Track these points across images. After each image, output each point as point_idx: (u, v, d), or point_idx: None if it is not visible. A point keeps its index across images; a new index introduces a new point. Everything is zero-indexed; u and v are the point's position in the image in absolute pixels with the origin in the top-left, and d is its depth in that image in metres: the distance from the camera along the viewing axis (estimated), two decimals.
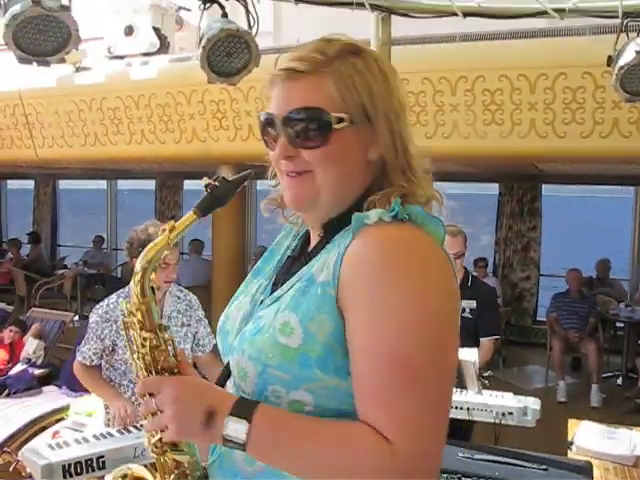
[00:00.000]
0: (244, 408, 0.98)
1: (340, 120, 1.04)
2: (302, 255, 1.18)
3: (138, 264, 1.07)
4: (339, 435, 0.97)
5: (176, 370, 1.07)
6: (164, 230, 1.07)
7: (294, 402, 1.03)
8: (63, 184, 13.49)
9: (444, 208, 1.12)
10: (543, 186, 9.13)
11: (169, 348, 1.07)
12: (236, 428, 0.96)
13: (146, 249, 1.07)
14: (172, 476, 1.09)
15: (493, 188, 9.70)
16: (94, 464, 2.59)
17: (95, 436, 2.86)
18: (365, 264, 0.98)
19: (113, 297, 3.07)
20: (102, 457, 2.62)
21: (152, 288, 1.08)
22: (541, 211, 9.13)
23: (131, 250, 2.99)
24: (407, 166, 1.08)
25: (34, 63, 2.12)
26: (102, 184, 12.81)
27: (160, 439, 1.05)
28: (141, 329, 1.07)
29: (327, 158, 1.05)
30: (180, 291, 3.19)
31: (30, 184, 13.03)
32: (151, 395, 1.03)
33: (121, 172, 10.79)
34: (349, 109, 1.04)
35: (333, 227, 1.09)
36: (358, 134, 1.06)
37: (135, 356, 1.09)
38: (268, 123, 1.09)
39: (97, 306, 3.07)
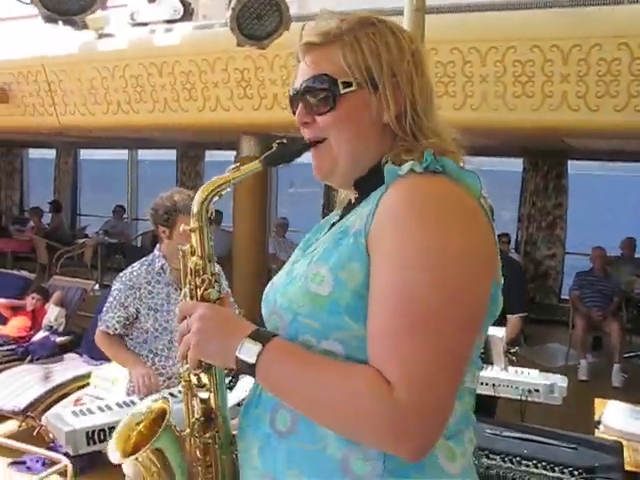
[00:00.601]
0: (262, 334, 1.03)
1: (347, 85, 1.09)
2: (341, 219, 1.18)
3: (200, 192, 1.12)
4: (344, 374, 0.97)
5: (218, 303, 1.11)
6: (230, 169, 1.13)
7: (325, 352, 1.03)
8: (84, 154, 13.51)
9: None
10: (569, 163, 8.97)
11: (214, 281, 1.12)
12: (249, 349, 1.00)
13: (209, 181, 1.13)
14: (202, 437, 1.13)
15: (515, 164, 9.55)
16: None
17: (118, 404, 2.86)
18: (392, 212, 1.00)
19: (136, 265, 3.05)
20: None
21: (210, 219, 1.14)
22: (567, 188, 8.97)
23: (156, 217, 2.97)
24: (426, 128, 1.10)
25: (60, 22, 2.06)
26: (123, 154, 12.80)
27: (188, 372, 1.10)
28: (192, 254, 1.13)
29: (338, 122, 1.11)
30: None
31: (52, 153, 13.06)
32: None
33: (142, 142, 10.76)
34: (356, 74, 1.09)
35: (366, 184, 1.12)
36: (368, 98, 1.10)
37: (185, 282, 1.14)
38: (292, 97, 1.17)
39: (120, 274, 3.04)
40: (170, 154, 11.88)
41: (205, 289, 1.11)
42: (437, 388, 0.93)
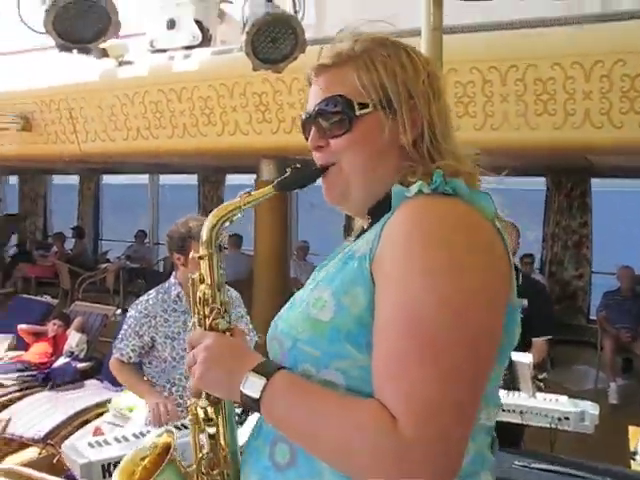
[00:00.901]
0: (266, 368, 0.99)
1: (364, 106, 1.06)
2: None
3: (210, 219, 1.10)
4: (347, 407, 0.92)
5: (228, 333, 1.08)
6: (241, 194, 1.11)
7: (324, 383, 0.97)
8: (106, 179, 13.65)
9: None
10: (592, 180, 8.85)
11: (223, 311, 1.09)
12: (253, 383, 0.97)
13: (219, 207, 1.12)
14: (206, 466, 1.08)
15: (537, 182, 9.43)
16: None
17: (135, 435, 2.80)
18: (398, 235, 0.95)
19: (152, 292, 3.02)
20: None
21: (220, 247, 1.12)
22: (591, 206, 8.83)
23: (171, 243, 2.95)
24: (444, 150, 1.07)
25: (74, 50, 2.05)
26: (144, 179, 12.91)
27: (195, 405, 1.07)
28: (201, 282, 1.10)
29: (354, 144, 1.07)
30: None
31: (75, 179, 13.22)
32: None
33: (163, 166, 10.84)
34: (372, 94, 1.06)
35: (379, 209, 1.07)
36: (384, 120, 1.06)
37: (194, 311, 1.11)
38: (305, 121, 1.14)
39: (136, 301, 3.01)
40: (191, 179, 11.95)
41: (214, 319, 1.08)
42: (447, 421, 0.86)
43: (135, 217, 13.43)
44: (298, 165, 1.12)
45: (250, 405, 0.98)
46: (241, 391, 0.97)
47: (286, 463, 1.01)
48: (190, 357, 1.05)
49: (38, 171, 12.76)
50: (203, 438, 1.09)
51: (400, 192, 1.00)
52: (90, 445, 2.69)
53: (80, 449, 2.63)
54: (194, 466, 1.09)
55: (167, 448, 1.10)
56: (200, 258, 1.10)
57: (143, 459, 1.11)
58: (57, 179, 14.06)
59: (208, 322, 1.08)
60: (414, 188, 0.99)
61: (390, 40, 1.11)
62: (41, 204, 13.60)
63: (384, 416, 0.87)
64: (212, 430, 1.07)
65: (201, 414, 1.08)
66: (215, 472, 1.08)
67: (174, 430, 1.16)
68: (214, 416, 1.08)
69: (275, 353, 1.06)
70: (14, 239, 13.11)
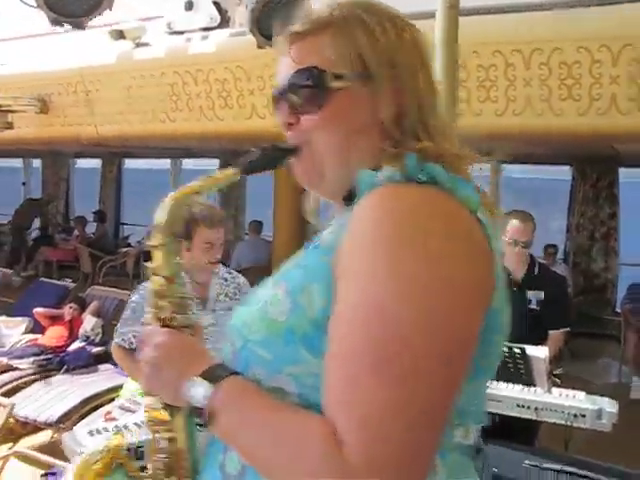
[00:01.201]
0: (216, 372, 0.89)
1: (338, 77, 0.94)
2: None
3: (167, 201, 1.00)
4: (295, 426, 0.81)
5: (188, 331, 0.99)
6: (202, 177, 1.01)
7: (275, 390, 0.86)
8: (129, 163, 13.67)
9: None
10: (620, 170, 8.61)
11: (181, 306, 0.99)
12: (198, 389, 0.88)
13: (175, 191, 1.00)
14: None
15: (562, 171, 9.22)
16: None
17: (137, 424, 2.75)
18: (362, 228, 0.82)
19: None
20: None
21: (175, 236, 1.01)
22: (618, 197, 8.60)
23: None
24: (432, 128, 0.94)
25: (65, 25, 1.98)
26: (167, 164, 12.91)
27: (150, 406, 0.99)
28: (154, 273, 1.00)
29: (327, 122, 0.95)
30: (229, 273, 3.03)
31: (97, 163, 13.26)
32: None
33: (184, 151, 10.80)
34: (349, 65, 0.94)
35: (354, 196, 0.92)
36: (363, 93, 0.94)
37: (149, 305, 1.02)
38: (275, 97, 1.02)
39: (140, 286, 2.95)
40: (213, 164, 11.90)
41: (169, 314, 0.98)
42: (410, 450, 0.75)
43: (157, 202, 13.42)
44: (265, 146, 0.99)
45: (194, 413, 0.89)
46: (185, 396, 0.89)
47: (236, 475, 0.91)
48: (142, 355, 0.96)
49: (60, 155, 12.81)
50: (161, 441, 1.00)
51: (367, 178, 0.88)
52: (90, 433, 2.65)
53: (79, 438, 2.59)
54: (150, 471, 1.00)
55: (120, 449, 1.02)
56: (153, 247, 0.99)
57: (95, 462, 1.04)
58: (80, 163, 14.11)
59: (162, 317, 0.98)
60: (383, 174, 0.87)
61: (375, 6, 0.99)
62: (63, 187, 13.67)
63: (330, 438, 0.76)
64: (167, 434, 0.98)
65: (155, 416, 0.99)
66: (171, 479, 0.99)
67: (124, 431, 1.08)
68: (170, 418, 0.98)
69: (227, 353, 0.96)
70: (37, 222, 13.21)
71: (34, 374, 5.30)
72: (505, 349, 2.98)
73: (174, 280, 0.99)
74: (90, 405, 4.77)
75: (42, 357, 5.60)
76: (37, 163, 14.19)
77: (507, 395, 3.19)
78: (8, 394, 4.78)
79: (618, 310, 8.36)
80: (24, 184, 14.36)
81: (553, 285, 3.67)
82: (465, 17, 3.17)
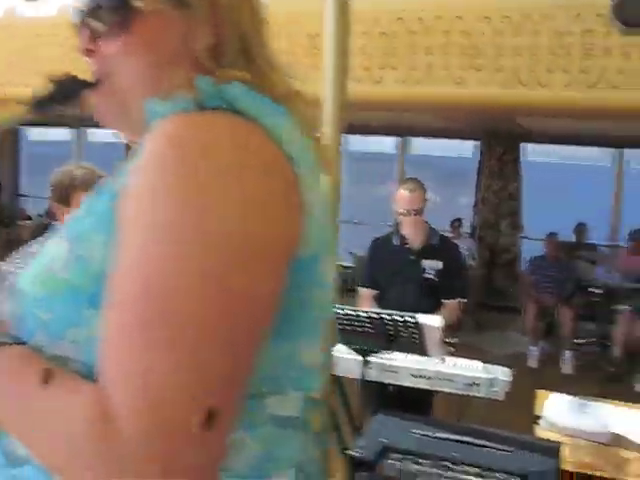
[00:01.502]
0: None
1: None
2: None
3: None
4: (63, 398, 0.68)
5: None
6: None
7: (56, 359, 0.73)
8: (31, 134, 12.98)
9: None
10: (527, 146, 8.85)
11: None
12: None
13: None
14: None
15: (473, 147, 9.37)
16: None
17: None
18: (143, 171, 0.68)
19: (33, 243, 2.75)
20: None
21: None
22: (521, 172, 8.85)
23: (53, 193, 2.72)
24: (253, 57, 0.82)
25: None
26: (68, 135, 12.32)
27: None
28: None
29: (131, 49, 0.81)
30: None
31: None
32: None
33: (88, 121, 10.27)
34: None
35: None
36: (176, 18, 0.80)
37: None
38: (77, 22, 0.85)
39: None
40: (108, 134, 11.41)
41: None
42: (181, 410, 0.62)
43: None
44: (61, 78, 0.83)
45: None
46: None
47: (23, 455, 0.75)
48: None
49: None
50: None
51: (156, 107, 0.74)
52: None
53: None
54: None
55: None
56: None
57: None
58: None
59: None
60: (171, 103, 0.73)
61: None
62: None
63: (99, 408, 0.63)
64: None
65: None
66: None
67: None
68: None
69: (12, 319, 0.80)
70: None
71: None
72: (399, 318, 2.92)
73: None
74: None
75: None
76: None
77: (401, 365, 3.14)
78: None
79: None
80: None
81: (451, 256, 3.65)
82: None
